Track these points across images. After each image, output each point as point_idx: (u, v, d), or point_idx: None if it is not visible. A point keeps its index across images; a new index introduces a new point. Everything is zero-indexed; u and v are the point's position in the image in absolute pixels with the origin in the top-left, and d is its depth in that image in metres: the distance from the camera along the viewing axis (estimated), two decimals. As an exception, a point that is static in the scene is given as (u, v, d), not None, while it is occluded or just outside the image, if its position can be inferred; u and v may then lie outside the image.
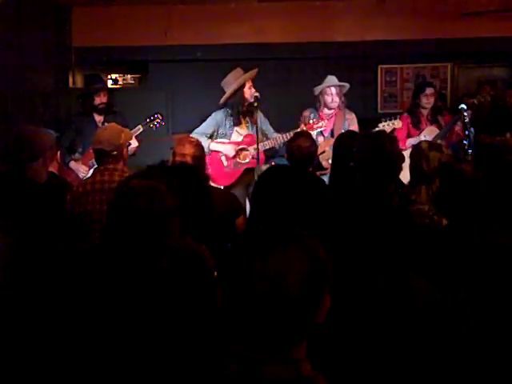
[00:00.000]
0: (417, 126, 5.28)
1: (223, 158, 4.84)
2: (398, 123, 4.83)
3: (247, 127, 4.86)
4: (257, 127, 4.62)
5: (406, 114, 5.40)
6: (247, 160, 4.84)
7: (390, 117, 4.89)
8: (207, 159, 4.44)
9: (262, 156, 4.68)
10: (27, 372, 1.81)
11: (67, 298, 1.96)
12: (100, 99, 5.13)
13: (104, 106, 5.14)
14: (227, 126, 4.82)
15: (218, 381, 1.11)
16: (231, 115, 4.81)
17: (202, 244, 2.25)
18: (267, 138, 4.85)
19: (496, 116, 5.35)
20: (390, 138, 3.10)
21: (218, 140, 4.84)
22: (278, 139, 4.75)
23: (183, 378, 1.21)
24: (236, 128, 4.85)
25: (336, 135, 4.87)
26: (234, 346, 1.12)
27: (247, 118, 4.85)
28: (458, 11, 6.53)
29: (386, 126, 4.79)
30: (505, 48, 6.68)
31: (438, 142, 4.86)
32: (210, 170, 4.64)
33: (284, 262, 1.08)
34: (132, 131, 4.61)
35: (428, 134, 5.15)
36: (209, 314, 1.79)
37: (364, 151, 2.94)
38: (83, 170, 4.78)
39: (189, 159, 3.38)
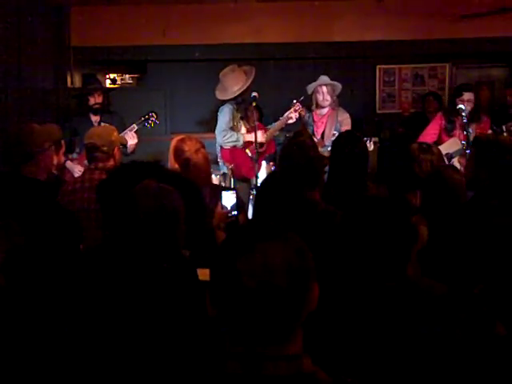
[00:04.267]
0: (450, 132, 4.97)
1: (248, 151, 4.97)
2: (370, 146, 4.46)
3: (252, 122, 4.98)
4: (255, 127, 4.70)
5: (440, 114, 5.18)
6: (264, 149, 5.01)
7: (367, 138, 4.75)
8: (235, 153, 4.90)
9: (272, 144, 5.00)
10: (26, 372, 1.81)
11: (67, 297, 1.96)
12: (94, 99, 5.13)
13: (99, 107, 5.14)
14: (237, 119, 4.97)
15: (221, 380, 1.11)
16: (237, 110, 4.95)
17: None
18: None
19: (494, 115, 5.34)
20: (313, 145, 3.21)
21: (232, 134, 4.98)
22: (279, 124, 5.03)
23: (185, 378, 1.21)
24: (243, 122, 5.02)
25: (326, 136, 4.96)
26: (233, 345, 1.12)
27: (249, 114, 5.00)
28: (456, 12, 6.54)
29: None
30: (503, 48, 6.70)
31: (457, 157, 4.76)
32: (239, 165, 4.87)
33: (268, 256, 1.10)
34: (126, 130, 4.61)
35: (449, 147, 4.80)
36: (205, 317, 1.79)
37: (287, 157, 3.02)
38: (78, 170, 4.78)
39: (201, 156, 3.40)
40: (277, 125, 5.05)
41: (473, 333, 1.68)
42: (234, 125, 4.93)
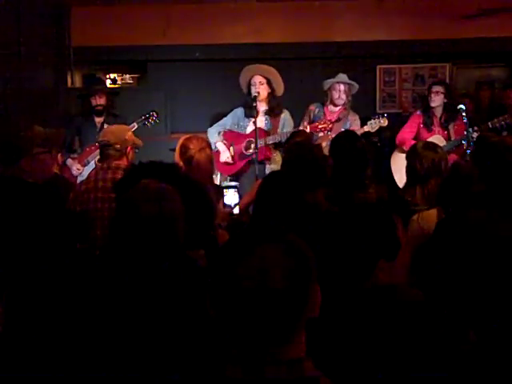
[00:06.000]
0: (428, 127, 5.24)
1: (231, 148, 4.95)
2: (384, 121, 4.87)
3: (265, 124, 4.91)
4: (255, 127, 4.66)
5: (418, 112, 5.41)
6: (249, 153, 4.89)
7: (378, 115, 4.93)
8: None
9: (267, 152, 4.81)
10: (26, 372, 1.81)
11: (67, 299, 1.96)
12: (96, 101, 5.16)
13: (101, 108, 5.16)
14: (245, 120, 4.95)
15: (221, 382, 1.11)
16: (244, 107, 4.94)
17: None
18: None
19: (494, 116, 5.35)
20: (317, 145, 3.19)
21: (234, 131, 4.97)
22: (280, 135, 4.79)
23: (186, 381, 1.21)
24: (253, 120, 4.86)
25: (334, 132, 4.91)
26: (234, 348, 1.12)
27: (266, 116, 4.92)
28: (456, 11, 6.55)
29: (373, 124, 4.84)
30: (503, 48, 6.70)
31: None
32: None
33: (267, 258, 1.10)
34: None
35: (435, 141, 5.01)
36: (206, 319, 1.78)
37: (291, 156, 3.02)
38: (76, 168, 4.84)
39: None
40: (272, 136, 4.85)
41: (446, 340, 1.68)
42: (241, 125, 4.92)
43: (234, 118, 4.98)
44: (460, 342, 1.70)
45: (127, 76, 8.56)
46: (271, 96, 4.92)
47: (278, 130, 4.89)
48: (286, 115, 4.95)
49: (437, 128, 5.24)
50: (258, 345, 1.10)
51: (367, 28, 6.66)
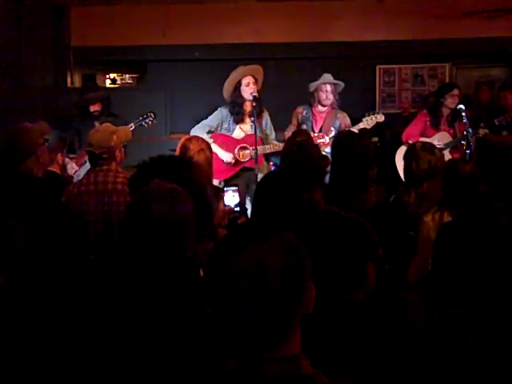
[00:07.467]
0: (436, 126, 5.30)
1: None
2: (380, 117, 4.87)
3: (251, 126, 4.83)
4: (255, 128, 4.63)
5: (425, 111, 5.46)
6: (246, 159, 4.87)
7: (373, 111, 4.95)
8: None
9: (260, 158, 4.73)
10: (26, 373, 1.81)
11: (69, 297, 1.96)
12: (94, 108, 5.25)
13: (98, 114, 5.27)
14: (230, 122, 4.89)
15: (218, 379, 1.11)
16: (231, 112, 4.86)
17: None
18: (266, 143, 4.89)
19: (494, 116, 5.36)
20: (316, 145, 3.19)
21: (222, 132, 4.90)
22: (278, 146, 4.76)
23: (183, 376, 1.21)
24: (240, 125, 4.88)
25: (325, 132, 4.91)
26: (232, 346, 1.12)
27: (252, 118, 4.81)
28: (456, 11, 6.55)
29: (368, 120, 4.84)
30: (503, 48, 6.70)
31: (448, 149, 5.03)
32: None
33: (261, 254, 1.10)
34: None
35: (441, 139, 5.12)
36: (203, 316, 1.78)
37: (289, 156, 3.02)
38: (71, 167, 4.87)
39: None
40: (270, 146, 4.82)
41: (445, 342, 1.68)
42: (225, 127, 4.86)
43: (219, 119, 4.89)
44: (459, 348, 1.70)
45: (127, 76, 8.57)
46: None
47: (269, 133, 4.93)
48: (266, 115, 4.96)
49: (443, 126, 5.30)
50: (254, 341, 1.10)
51: (367, 28, 6.66)
